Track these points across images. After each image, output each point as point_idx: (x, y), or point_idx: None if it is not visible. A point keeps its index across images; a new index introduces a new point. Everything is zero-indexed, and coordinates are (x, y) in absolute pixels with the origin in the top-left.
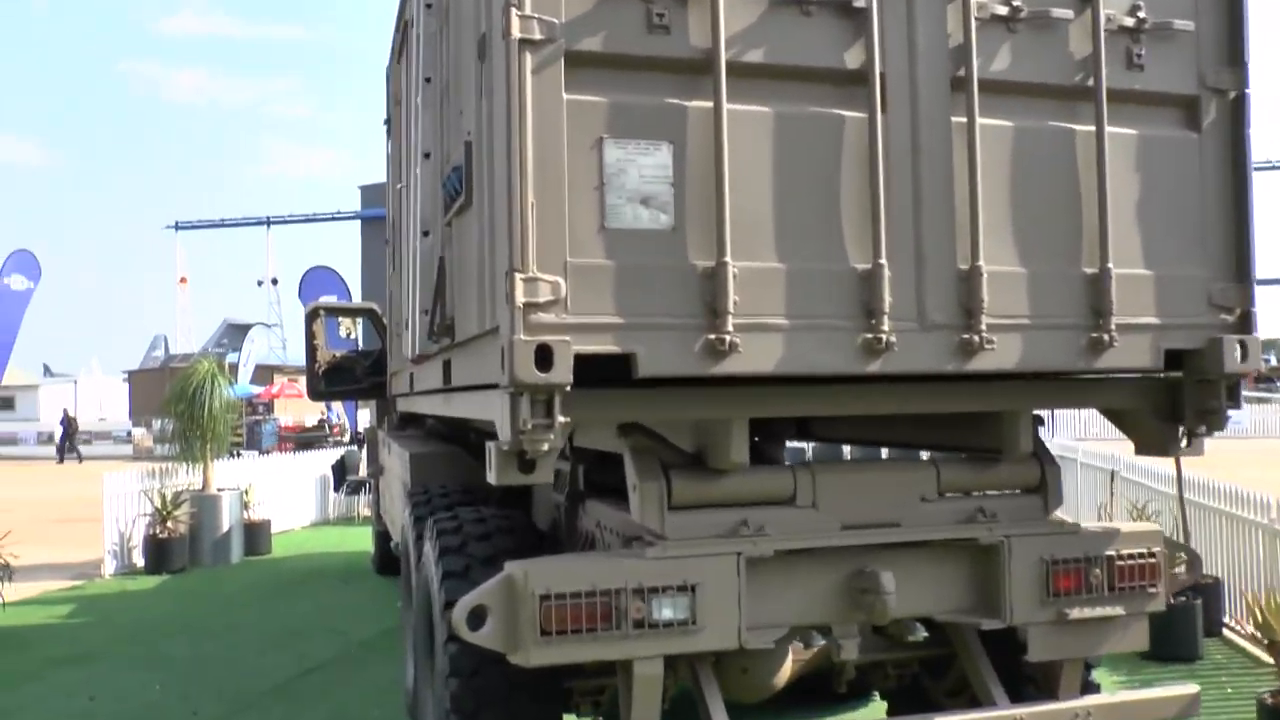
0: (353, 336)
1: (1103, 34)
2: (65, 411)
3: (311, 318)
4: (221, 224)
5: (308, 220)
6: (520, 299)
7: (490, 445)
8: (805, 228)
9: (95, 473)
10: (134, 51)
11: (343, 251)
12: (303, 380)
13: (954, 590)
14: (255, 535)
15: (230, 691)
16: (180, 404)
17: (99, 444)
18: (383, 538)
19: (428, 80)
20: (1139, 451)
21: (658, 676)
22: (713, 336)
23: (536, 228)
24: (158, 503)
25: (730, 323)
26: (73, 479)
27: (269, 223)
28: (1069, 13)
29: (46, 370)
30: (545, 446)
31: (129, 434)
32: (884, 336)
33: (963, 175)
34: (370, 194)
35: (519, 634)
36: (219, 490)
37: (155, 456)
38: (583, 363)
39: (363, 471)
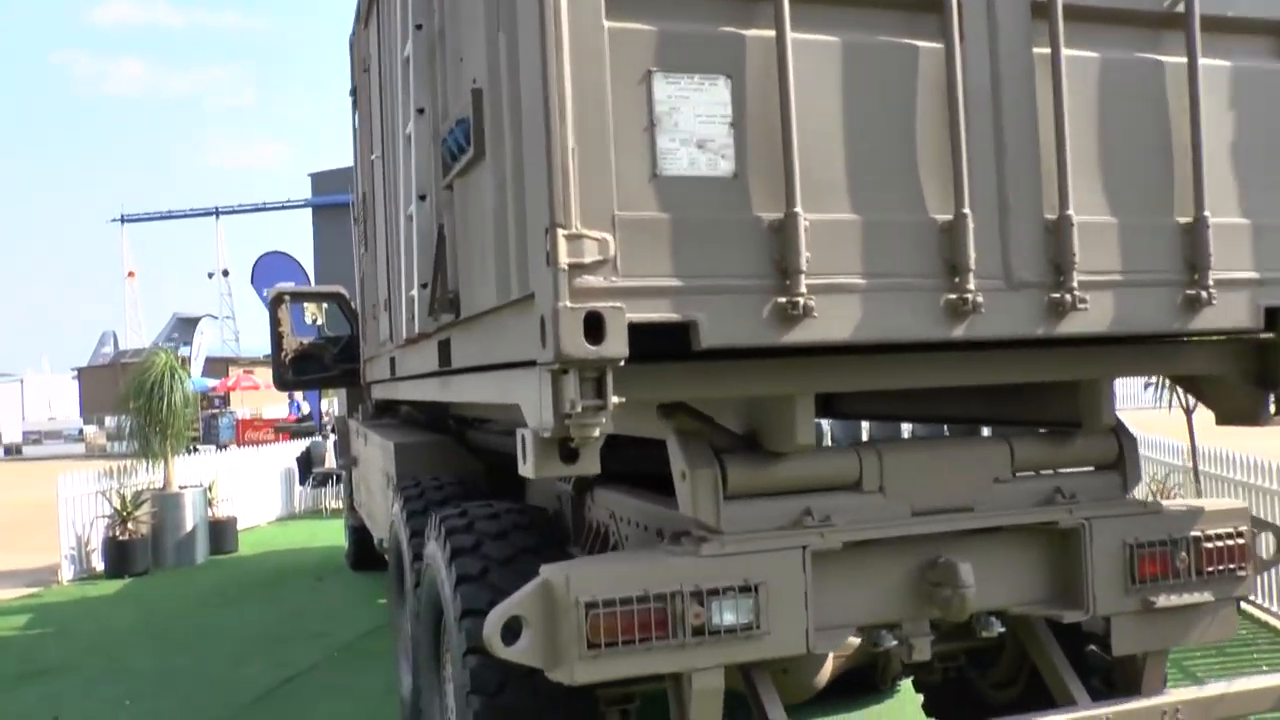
0: (319, 322)
1: None
2: None
3: (276, 304)
4: (169, 215)
5: (257, 210)
6: (564, 259)
7: (524, 433)
8: (878, 174)
9: (45, 473)
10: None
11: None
12: (259, 372)
13: (1030, 580)
14: (220, 533)
15: (206, 706)
16: (138, 399)
17: (49, 443)
18: (357, 532)
19: (418, 27)
20: (1220, 422)
21: (719, 689)
22: (783, 300)
23: (579, 177)
24: (117, 503)
25: (803, 283)
26: (19, 481)
27: (218, 213)
28: None
29: None
30: (596, 432)
31: (80, 432)
32: (969, 297)
33: (1047, 113)
34: (322, 181)
35: (561, 648)
36: (181, 488)
37: (108, 454)
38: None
39: (330, 463)
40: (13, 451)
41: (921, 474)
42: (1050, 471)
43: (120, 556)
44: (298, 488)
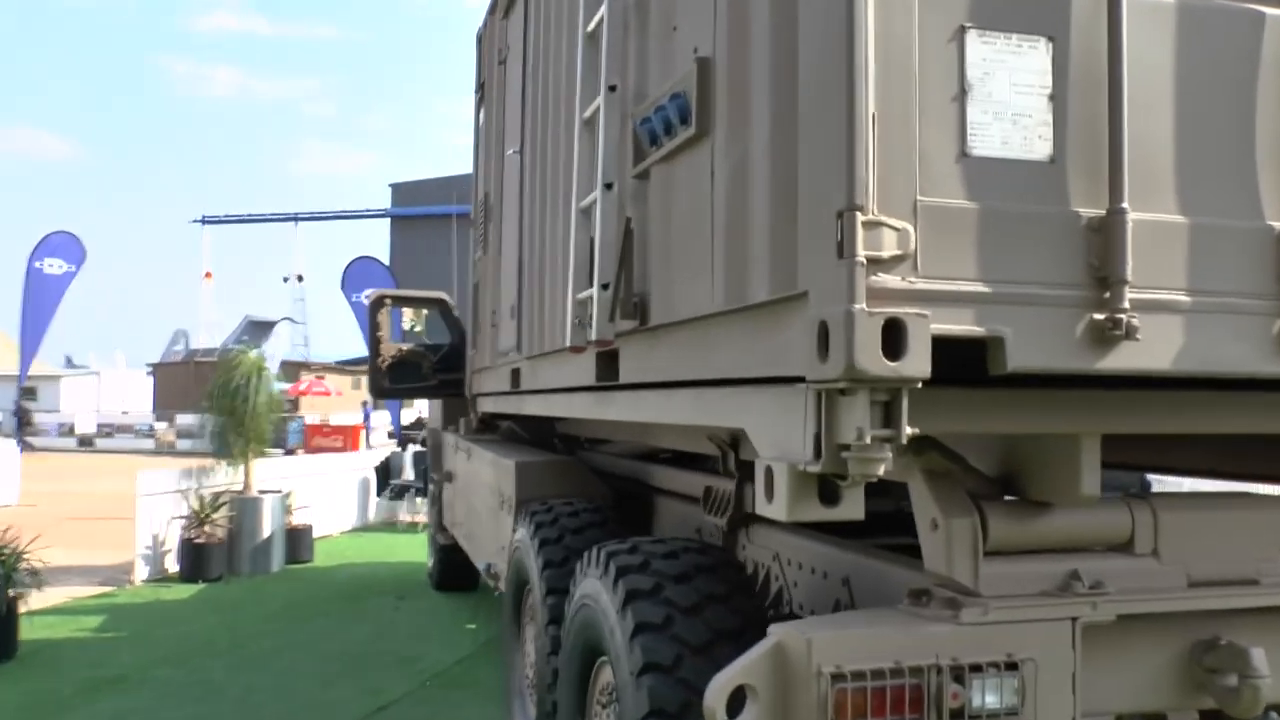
0: (417, 329)
1: None
2: (18, 403)
3: (376, 307)
4: (248, 219)
5: (337, 217)
6: (862, 251)
7: (774, 467)
8: (1210, 168)
9: (117, 467)
10: (168, 47)
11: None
12: (330, 378)
13: None
14: (297, 542)
15: None
16: (222, 398)
17: (121, 437)
18: (445, 551)
19: None
20: None
21: None
22: (1101, 316)
23: (878, 152)
24: (195, 504)
25: (1127, 297)
26: (94, 472)
27: (297, 219)
28: None
29: (68, 361)
30: (881, 469)
31: (151, 428)
32: None
33: None
34: (402, 192)
35: None
36: (260, 493)
37: (176, 451)
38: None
39: (408, 475)
40: (86, 443)
41: (1200, 537)
42: None
43: (196, 559)
44: (374, 499)
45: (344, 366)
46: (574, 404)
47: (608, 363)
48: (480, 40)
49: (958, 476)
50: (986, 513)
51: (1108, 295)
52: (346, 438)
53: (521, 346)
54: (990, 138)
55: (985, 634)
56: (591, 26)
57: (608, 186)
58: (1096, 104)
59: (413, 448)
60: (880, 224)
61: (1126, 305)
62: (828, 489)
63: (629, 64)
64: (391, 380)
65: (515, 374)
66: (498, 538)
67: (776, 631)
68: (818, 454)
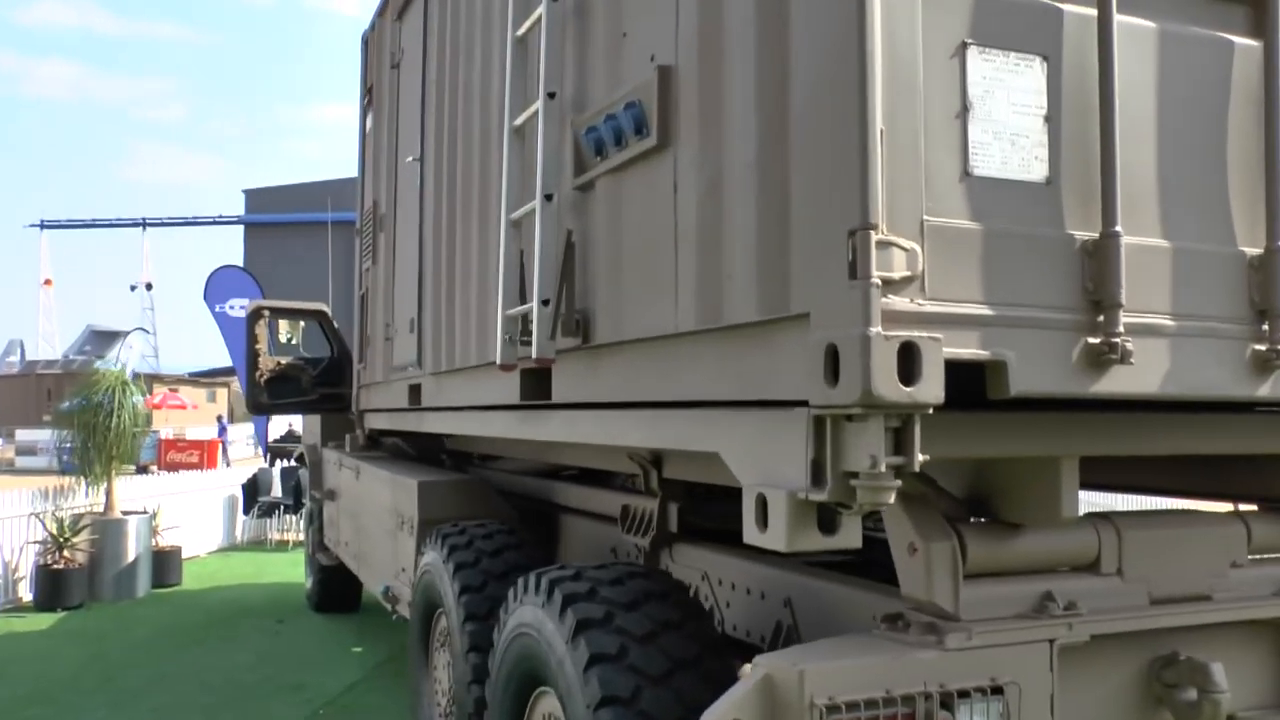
0: (294, 341)
1: None
2: None
3: (254, 318)
4: (93, 224)
5: (189, 223)
6: (875, 272)
7: (769, 494)
8: (1189, 192)
9: None
10: None
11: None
12: (184, 390)
13: (1258, 683)
14: (164, 564)
15: None
16: (83, 414)
17: None
18: (326, 572)
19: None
20: None
21: None
22: (1096, 340)
23: (886, 169)
24: (54, 527)
25: (1121, 321)
26: None
27: (145, 224)
28: None
29: None
30: (891, 497)
31: None
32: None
33: None
34: (257, 198)
35: None
36: (124, 513)
37: (16, 470)
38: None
39: (276, 492)
40: None
41: (1158, 555)
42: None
43: (53, 587)
44: (240, 517)
45: (198, 379)
46: (492, 423)
47: (537, 381)
48: (367, 43)
49: (931, 499)
50: (964, 535)
51: (1101, 319)
52: (203, 453)
53: (424, 362)
54: (991, 158)
55: (970, 659)
56: (523, 31)
57: (547, 198)
58: (1087, 126)
59: (282, 463)
60: (891, 244)
61: (1121, 329)
62: (825, 517)
63: (566, 70)
64: (270, 394)
65: (414, 390)
66: (396, 559)
67: (763, 663)
68: (816, 481)
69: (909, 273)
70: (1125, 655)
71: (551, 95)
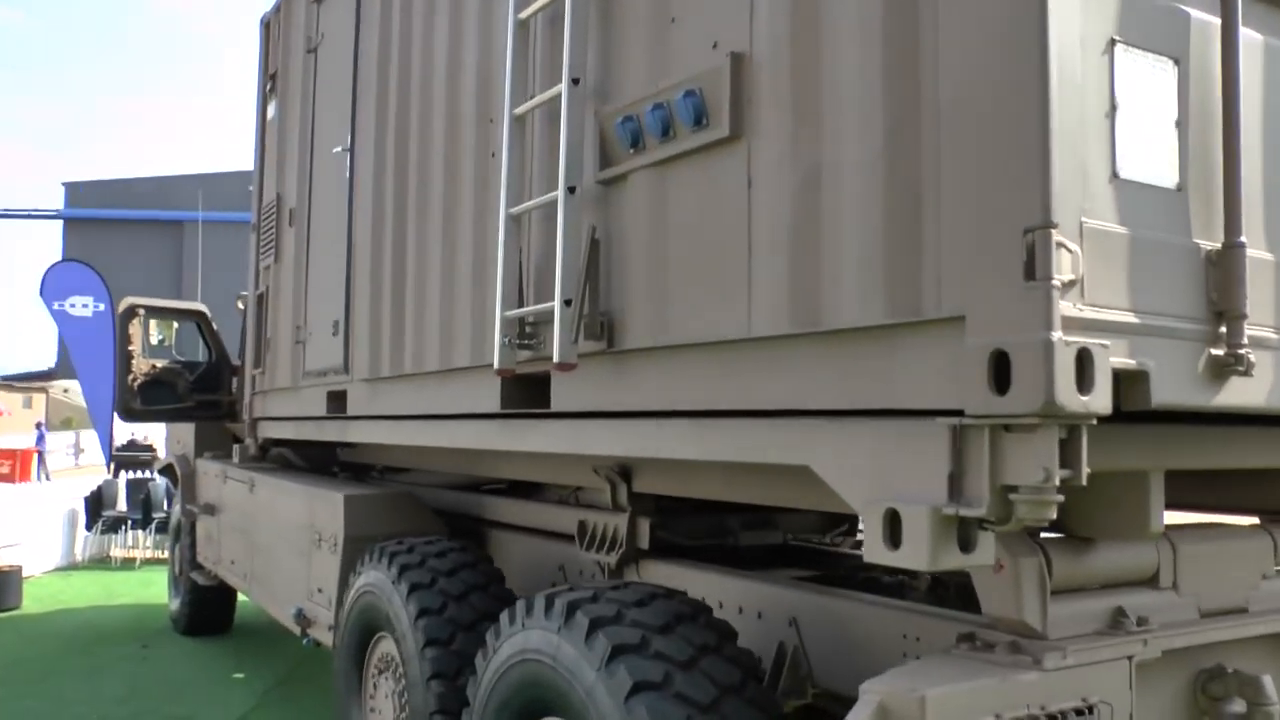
0: (168, 344)
1: None
2: None
3: (127, 317)
4: None
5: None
6: (1056, 273)
7: (906, 510)
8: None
9: None
10: None
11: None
12: (4, 395)
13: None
14: (2, 586)
15: None
16: None
17: None
18: (201, 592)
19: None
20: None
21: None
22: (1219, 351)
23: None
24: None
25: (1245, 332)
26: None
27: None
28: None
29: None
30: (1054, 511)
31: None
32: None
33: None
34: (80, 192)
35: None
36: None
37: None
38: None
39: (121, 506)
40: None
41: (1206, 569)
42: None
43: None
44: (82, 533)
45: (11, 383)
46: (458, 433)
47: (524, 389)
48: (268, 26)
49: None
50: (1049, 551)
51: (1224, 330)
52: (15, 464)
53: (351, 367)
54: (1135, 160)
55: (1065, 679)
56: (526, 14)
57: (570, 190)
58: (1207, 134)
59: (127, 475)
60: (1061, 244)
61: (1245, 340)
62: (968, 535)
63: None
64: (144, 400)
65: (336, 397)
66: (310, 579)
67: (876, 690)
68: (953, 495)
69: (1073, 276)
70: (1177, 669)
71: (576, 81)
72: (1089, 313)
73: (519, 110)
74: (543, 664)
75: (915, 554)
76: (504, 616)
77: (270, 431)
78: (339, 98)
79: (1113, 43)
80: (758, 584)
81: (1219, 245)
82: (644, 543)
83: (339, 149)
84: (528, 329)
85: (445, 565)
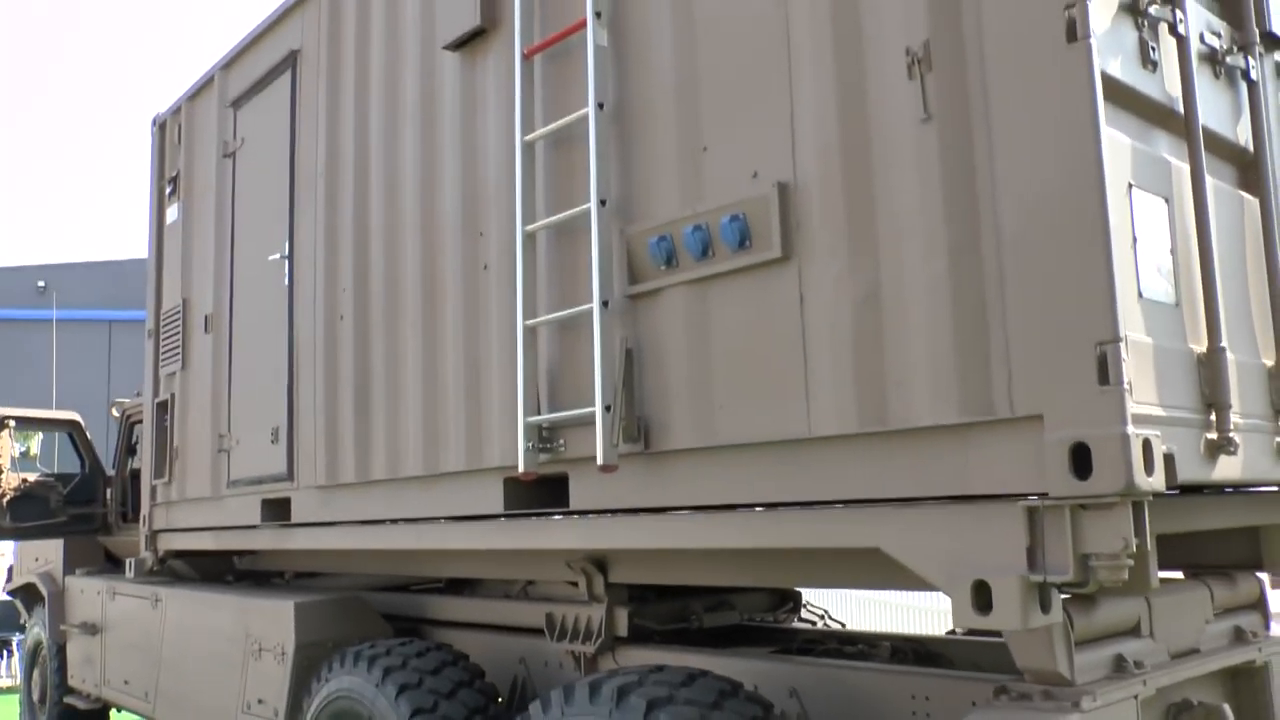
0: (32, 454)
1: None
2: None
3: None
4: None
5: None
6: (1126, 378)
7: (996, 580)
8: (1239, 314)
9: None
10: None
11: None
12: None
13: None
14: None
15: None
16: None
17: None
18: (71, 716)
19: (600, 106)
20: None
21: None
22: (1213, 436)
23: None
24: None
25: (1232, 420)
26: None
27: None
28: None
29: None
30: (1127, 575)
31: None
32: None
33: None
34: None
35: None
36: None
37: None
38: None
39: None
40: None
41: (1171, 617)
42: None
43: None
44: None
45: None
46: (457, 533)
47: (528, 490)
48: (162, 128)
49: None
50: (1069, 610)
51: (1214, 418)
52: None
53: (296, 474)
54: (1151, 283)
55: (1095, 718)
56: (532, 137)
57: (604, 304)
58: (1190, 259)
59: None
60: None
61: (1231, 426)
62: (1046, 598)
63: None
64: (14, 517)
65: (277, 505)
66: (244, 692)
67: None
68: (1031, 566)
69: (1129, 380)
70: (1157, 704)
71: (603, 202)
72: (1139, 409)
73: (530, 228)
74: None
75: (1008, 616)
76: (534, 708)
77: (177, 543)
78: (268, 203)
79: (1130, 186)
80: (753, 660)
81: (1205, 349)
82: (622, 630)
83: (276, 256)
84: (544, 433)
85: (428, 664)
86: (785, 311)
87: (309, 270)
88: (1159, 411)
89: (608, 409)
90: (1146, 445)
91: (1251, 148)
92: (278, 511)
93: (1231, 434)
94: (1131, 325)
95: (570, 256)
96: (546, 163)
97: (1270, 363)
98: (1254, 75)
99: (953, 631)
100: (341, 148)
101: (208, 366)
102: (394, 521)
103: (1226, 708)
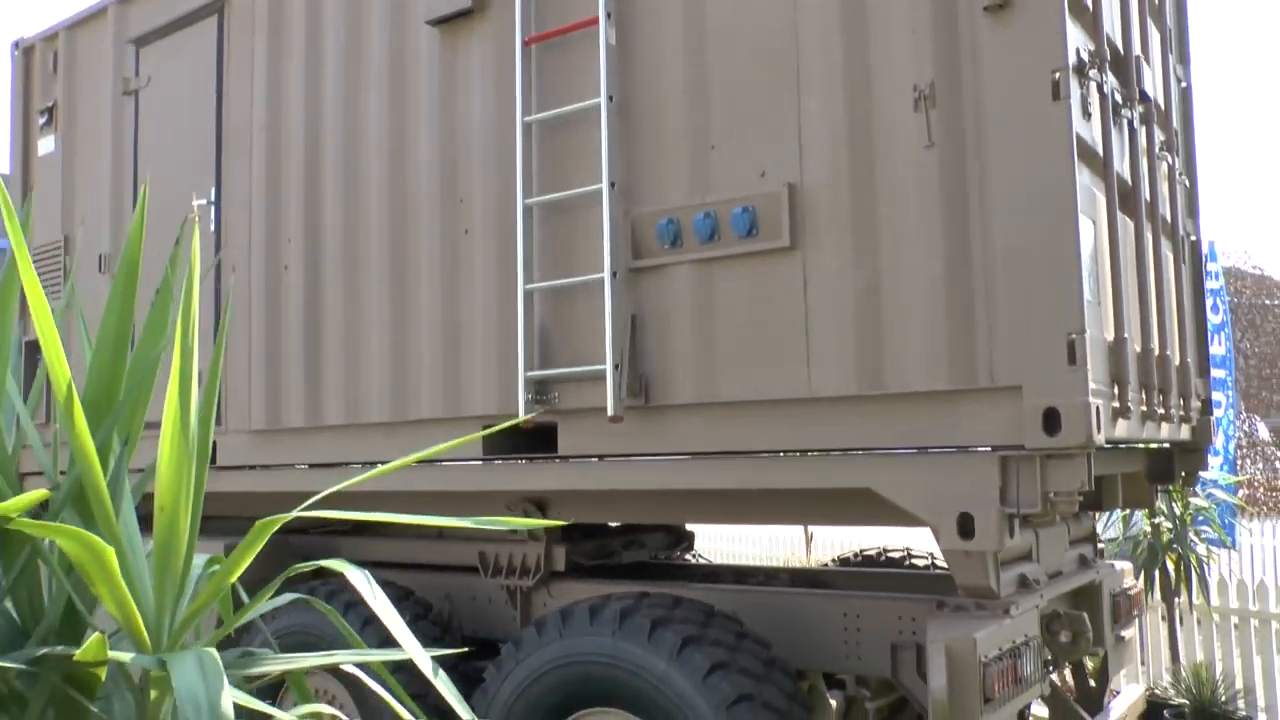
0: None
1: None
2: None
3: None
4: None
5: None
6: (1089, 361)
7: (979, 511)
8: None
9: None
10: None
11: None
12: None
13: None
14: None
15: None
16: None
17: None
18: None
19: (610, 99)
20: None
21: None
22: (1116, 405)
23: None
24: None
25: (1130, 393)
26: None
27: None
28: None
29: None
30: (1076, 508)
31: None
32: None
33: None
34: None
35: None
36: None
37: None
38: None
39: None
40: None
41: (1048, 547)
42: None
43: None
44: None
45: None
46: (447, 476)
47: (510, 438)
48: (28, 53)
49: None
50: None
51: (1116, 391)
52: None
53: (224, 419)
54: (1089, 286)
55: (1017, 624)
56: (532, 118)
57: (614, 275)
58: (1103, 267)
59: None
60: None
61: (1130, 398)
62: (1012, 526)
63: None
64: None
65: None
66: None
67: (939, 637)
68: (1004, 501)
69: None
70: (1043, 614)
71: (613, 185)
72: (1091, 384)
73: (529, 201)
74: (596, 664)
75: (987, 540)
76: (527, 633)
77: None
78: (184, 148)
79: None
80: (696, 589)
81: (1113, 338)
82: (560, 565)
83: (202, 201)
84: (538, 387)
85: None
86: (789, 293)
87: (242, 218)
88: (1098, 386)
89: (616, 367)
90: (1098, 411)
91: (1130, 180)
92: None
93: (1129, 404)
94: (1092, 322)
95: (565, 230)
96: (541, 143)
97: (1138, 348)
98: (1136, 124)
99: (825, 565)
100: (287, 104)
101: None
102: (364, 465)
103: (1085, 616)
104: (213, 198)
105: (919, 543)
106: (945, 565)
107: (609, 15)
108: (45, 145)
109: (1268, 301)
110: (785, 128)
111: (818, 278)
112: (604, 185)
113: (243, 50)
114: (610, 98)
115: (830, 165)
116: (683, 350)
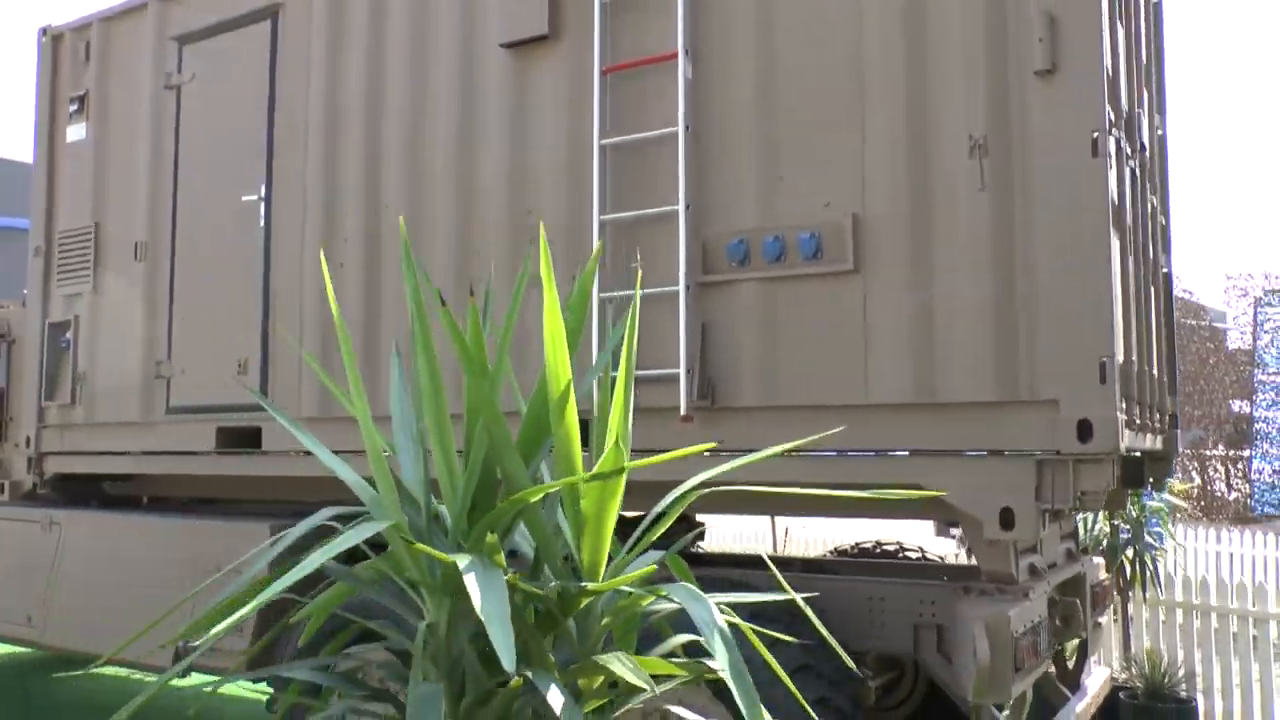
0: None
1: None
2: None
3: None
4: None
5: None
6: (1117, 379)
7: (1019, 505)
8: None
9: None
10: None
11: None
12: None
13: None
14: None
15: None
16: None
17: None
18: None
19: (687, 128)
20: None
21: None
22: (1125, 418)
23: None
24: None
25: (1134, 408)
26: None
27: None
28: None
29: None
30: (1103, 505)
31: None
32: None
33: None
34: None
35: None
36: None
37: None
38: None
39: None
40: None
41: (1048, 541)
42: None
43: None
44: None
45: None
46: None
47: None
48: (58, 40)
49: None
50: None
51: (1124, 405)
52: None
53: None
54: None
55: (1033, 605)
56: (608, 141)
57: (688, 288)
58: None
59: None
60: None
61: (1137, 413)
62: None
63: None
64: None
65: (236, 434)
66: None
67: (976, 615)
68: (1039, 498)
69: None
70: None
71: (688, 207)
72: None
73: (605, 218)
74: None
75: (1027, 531)
76: None
77: (79, 466)
78: (231, 145)
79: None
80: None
81: (1122, 359)
82: None
83: (252, 197)
84: None
85: None
86: (850, 310)
87: (295, 217)
88: (1120, 402)
89: (688, 372)
90: (1123, 423)
91: (1131, 222)
92: (239, 439)
93: (1135, 417)
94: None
95: (630, 244)
96: (613, 164)
97: (1137, 368)
98: (1137, 172)
99: (830, 554)
100: (346, 109)
101: (137, 294)
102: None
103: (1077, 602)
104: (262, 195)
105: (914, 539)
106: (932, 558)
107: (687, 51)
108: (75, 132)
109: (1193, 323)
110: (849, 165)
111: (877, 298)
112: (680, 207)
113: (298, 52)
114: (687, 127)
115: (891, 200)
116: (748, 358)
